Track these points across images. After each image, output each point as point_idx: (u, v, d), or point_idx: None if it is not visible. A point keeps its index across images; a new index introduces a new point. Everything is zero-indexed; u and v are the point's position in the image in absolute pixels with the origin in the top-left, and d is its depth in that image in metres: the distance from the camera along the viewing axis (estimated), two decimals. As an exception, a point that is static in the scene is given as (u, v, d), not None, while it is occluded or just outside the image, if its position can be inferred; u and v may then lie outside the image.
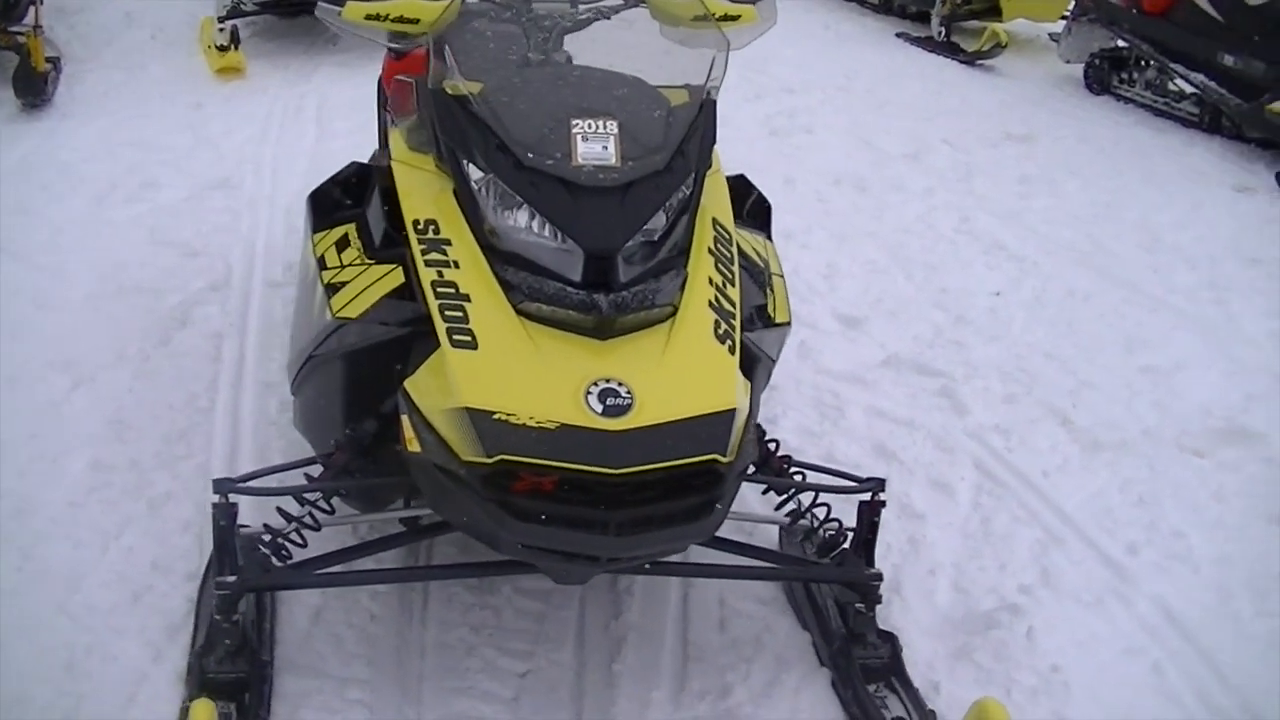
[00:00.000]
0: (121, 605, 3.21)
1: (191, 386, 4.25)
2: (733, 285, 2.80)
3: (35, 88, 7.10)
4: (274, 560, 2.87)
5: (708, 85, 2.89)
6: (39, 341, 4.49)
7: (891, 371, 4.68)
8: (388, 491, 3.08)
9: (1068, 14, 9.42)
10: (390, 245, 2.85)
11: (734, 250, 2.90)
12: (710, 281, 2.75)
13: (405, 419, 2.61)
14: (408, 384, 2.63)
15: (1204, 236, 6.35)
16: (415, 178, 2.90)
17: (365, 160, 3.70)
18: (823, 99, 8.37)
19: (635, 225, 2.60)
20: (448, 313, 2.55)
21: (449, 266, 2.63)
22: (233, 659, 2.86)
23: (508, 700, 3.02)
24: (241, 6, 8.41)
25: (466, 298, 2.57)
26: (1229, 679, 3.26)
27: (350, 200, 3.12)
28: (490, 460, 2.40)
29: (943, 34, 9.91)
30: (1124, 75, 8.90)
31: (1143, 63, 8.75)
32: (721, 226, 2.91)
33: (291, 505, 2.96)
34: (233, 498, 2.89)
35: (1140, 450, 4.30)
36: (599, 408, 2.42)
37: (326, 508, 2.95)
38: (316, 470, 3.11)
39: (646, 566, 2.87)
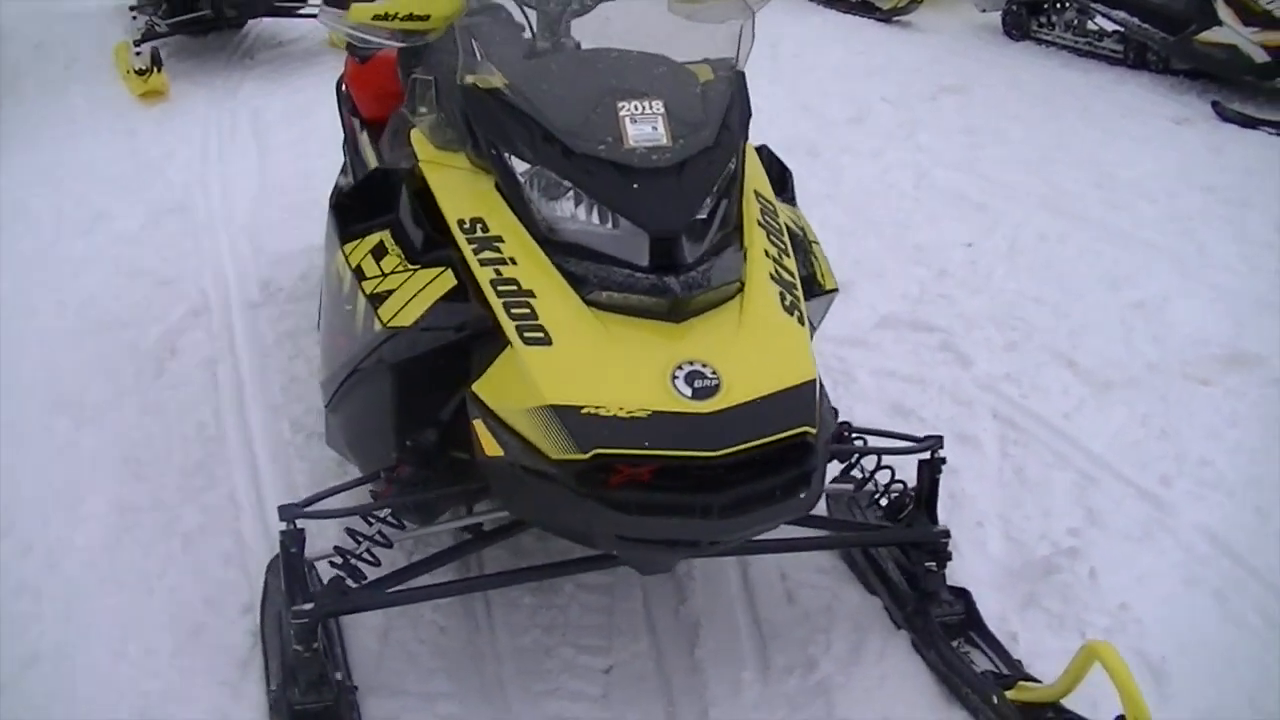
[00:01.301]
0: (184, 646, 3.12)
1: (197, 416, 4.14)
2: (788, 256, 2.78)
3: (-38, 124, 6.90)
4: (349, 582, 2.81)
5: (739, 55, 2.85)
6: (29, 384, 4.36)
7: (890, 331, 4.69)
8: (448, 501, 3.02)
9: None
10: (433, 248, 2.77)
11: (780, 222, 2.88)
12: (766, 254, 2.72)
13: (478, 424, 2.55)
14: (476, 388, 2.57)
15: (1155, 171, 6.46)
16: (450, 177, 2.83)
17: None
18: (752, 69, 8.32)
19: (695, 203, 2.56)
20: (514, 310, 2.49)
21: (505, 264, 2.57)
22: (317, 689, 2.79)
23: (597, 697, 2.98)
24: (155, 29, 8.27)
25: (530, 293, 2.52)
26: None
27: (374, 207, 3.03)
28: (585, 456, 2.35)
29: (856, -6, 9.97)
30: (1042, 20, 9.04)
31: (1060, 5, 8.86)
32: (764, 199, 2.89)
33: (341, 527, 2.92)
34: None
35: (1149, 385, 4.35)
36: (688, 391, 2.38)
37: (395, 523, 2.89)
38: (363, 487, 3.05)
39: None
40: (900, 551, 3.30)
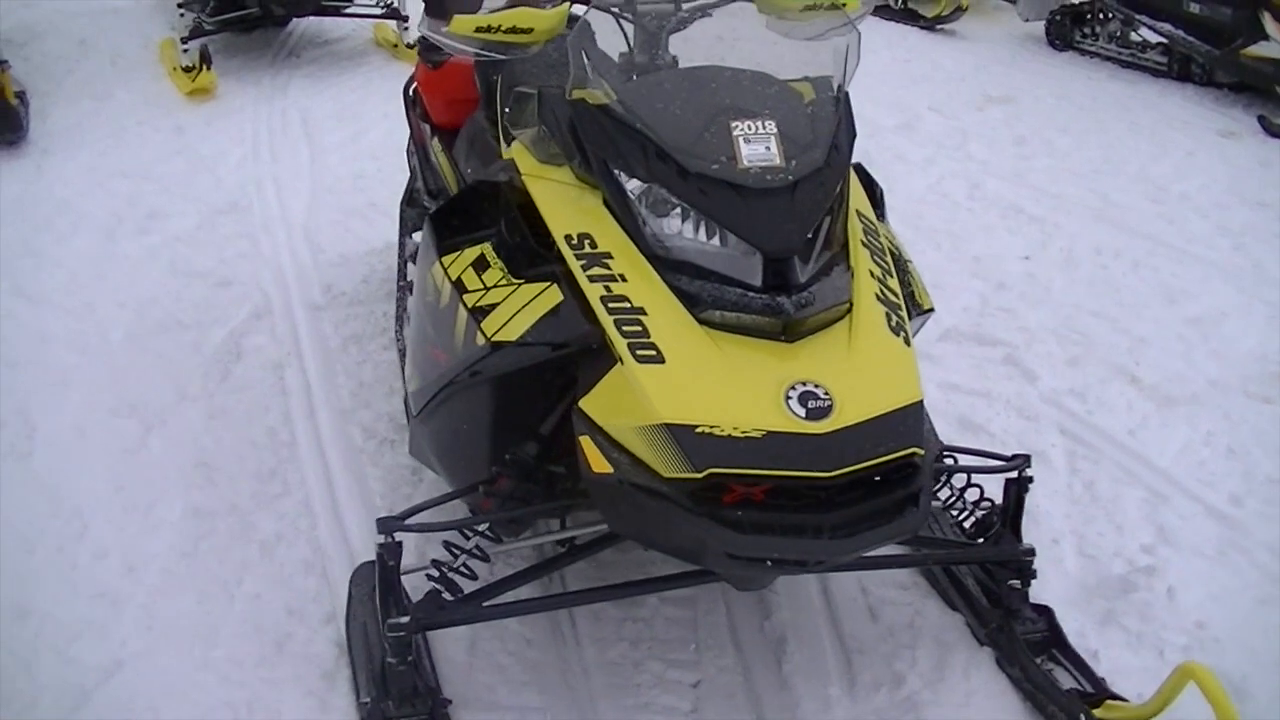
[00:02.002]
0: (267, 656, 3.13)
1: (267, 421, 4.16)
2: (891, 276, 2.78)
3: (11, 123, 6.89)
4: (446, 596, 2.82)
5: (846, 76, 2.85)
6: (93, 388, 4.37)
7: (953, 345, 4.70)
8: (543, 515, 3.03)
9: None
10: (537, 263, 2.78)
11: (882, 241, 2.88)
12: (871, 274, 2.72)
13: (585, 440, 2.55)
14: (583, 404, 2.57)
15: (1205, 184, 6.47)
16: (554, 191, 2.82)
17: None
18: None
19: (809, 223, 2.56)
20: (625, 328, 2.49)
21: (615, 280, 2.57)
22: (412, 702, 2.80)
23: (687, 712, 2.99)
24: (204, 26, 8.26)
25: (642, 310, 2.51)
26: (1364, 618, 3.33)
27: (473, 220, 3.04)
28: (700, 475, 2.35)
29: (900, 1, 9.96)
30: (1086, 30, 9.03)
31: (1104, 16, 8.87)
32: (865, 218, 2.89)
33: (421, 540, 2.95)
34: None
35: (1211, 401, 4.36)
36: (802, 411, 2.38)
37: (493, 537, 2.90)
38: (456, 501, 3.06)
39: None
40: (981, 569, 3.32)
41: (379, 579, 2.85)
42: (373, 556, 3.20)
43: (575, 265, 2.62)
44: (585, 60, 2.72)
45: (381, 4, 8.87)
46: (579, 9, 3.11)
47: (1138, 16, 8.34)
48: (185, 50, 8.07)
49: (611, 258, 2.61)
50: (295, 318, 4.89)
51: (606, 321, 2.51)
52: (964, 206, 6.10)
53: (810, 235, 2.57)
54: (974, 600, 3.28)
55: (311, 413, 4.21)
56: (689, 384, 2.43)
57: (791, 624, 3.25)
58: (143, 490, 3.78)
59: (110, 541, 3.54)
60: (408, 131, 6.53)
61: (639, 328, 2.49)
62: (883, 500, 2.48)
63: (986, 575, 3.31)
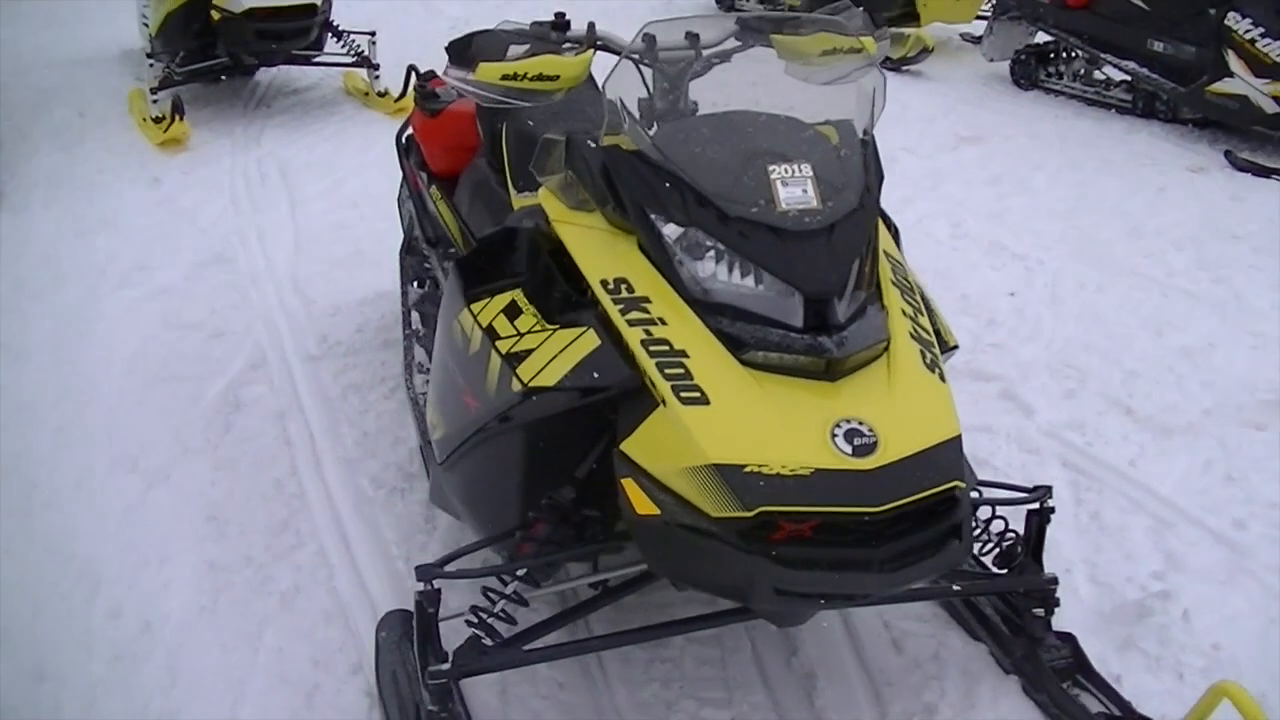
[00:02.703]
0: (298, 709, 3.12)
1: (273, 472, 4.14)
2: (922, 315, 2.83)
3: (-19, 174, 6.87)
4: (486, 641, 2.83)
5: (873, 117, 2.90)
6: (91, 444, 4.35)
7: (950, 380, 4.73)
8: (580, 559, 3.04)
9: (984, 13, 9.69)
10: (571, 308, 2.80)
11: (910, 280, 2.93)
12: (904, 313, 2.77)
13: (628, 483, 2.57)
14: (625, 447, 2.59)
15: (1179, 219, 6.59)
16: (586, 237, 2.85)
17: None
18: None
19: (847, 264, 2.60)
20: (668, 370, 2.51)
21: (655, 324, 2.59)
22: None
23: (724, 751, 3.01)
24: (173, 76, 8.27)
25: (683, 353, 2.53)
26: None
27: (499, 267, 3.06)
28: (751, 514, 2.38)
29: (866, 44, 10.08)
30: (1050, 69, 9.20)
31: (1067, 55, 9.04)
32: (893, 258, 2.94)
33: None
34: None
35: (1207, 430, 4.43)
36: (848, 449, 2.41)
37: (531, 582, 2.91)
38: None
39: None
40: (1001, 599, 3.36)
41: (417, 626, 2.86)
42: (395, 605, 3.23)
43: (613, 309, 2.64)
44: (620, 107, 2.76)
45: (352, 53, 8.91)
46: (601, 55, 3.15)
47: (1102, 55, 8.49)
48: (155, 101, 8.06)
49: (650, 301, 2.63)
50: (292, 368, 4.88)
51: (648, 364, 2.53)
52: (947, 245, 6.18)
53: (847, 276, 2.62)
54: (996, 630, 3.32)
55: (318, 463, 4.20)
56: (735, 424, 2.45)
57: (818, 660, 3.27)
58: (153, 546, 3.75)
59: (123, 599, 3.52)
60: (387, 180, 6.59)
61: (681, 370, 2.51)
62: (928, 534, 2.52)
63: (1006, 605, 3.35)
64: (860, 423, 2.46)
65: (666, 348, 2.55)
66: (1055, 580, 3.16)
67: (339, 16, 8.86)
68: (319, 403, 4.60)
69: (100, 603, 3.50)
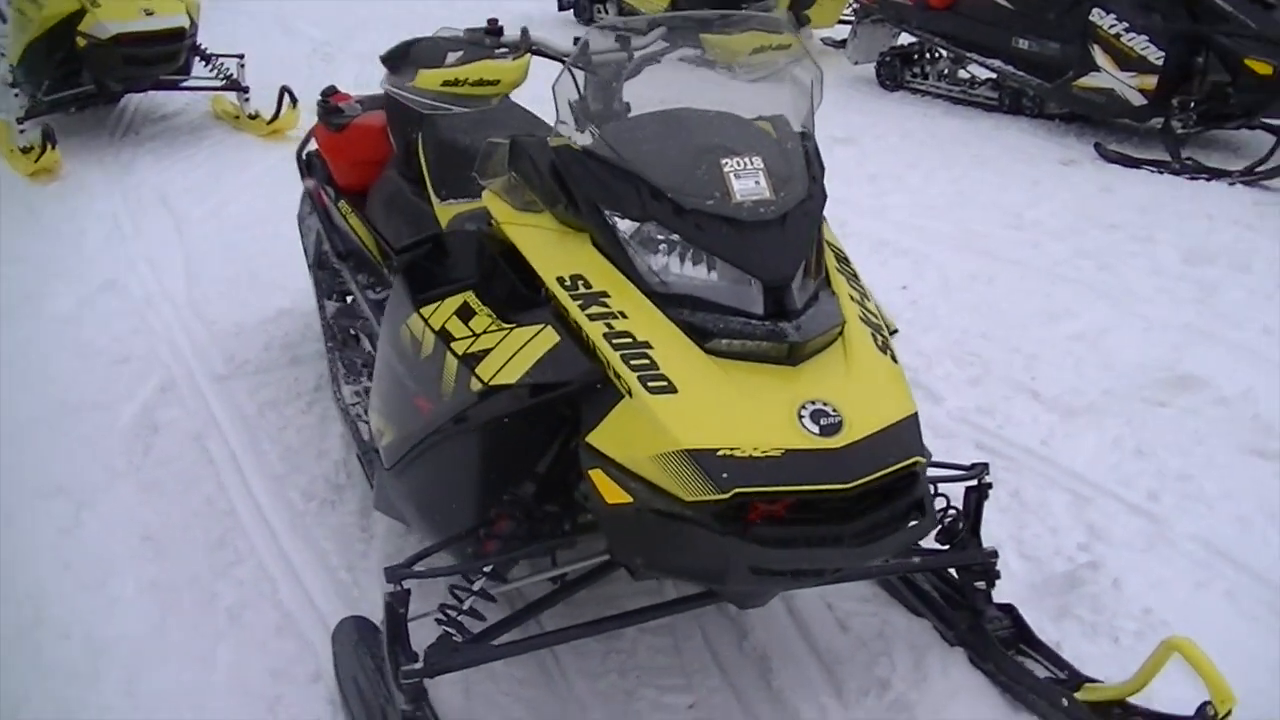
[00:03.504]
0: (262, 718, 3.12)
1: (202, 491, 4.12)
2: (868, 299, 2.94)
3: None
4: (457, 639, 2.85)
5: (813, 109, 3.00)
6: (11, 472, 4.26)
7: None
8: (542, 553, 3.07)
9: (846, 17, 9.91)
10: (525, 307, 2.84)
11: (853, 268, 3.03)
12: (852, 298, 2.87)
13: (597, 474, 2.61)
14: (591, 439, 2.63)
15: (1055, 211, 6.84)
16: (537, 237, 2.89)
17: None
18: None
19: (801, 252, 2.69)
20: (633, 362, 2.56)
21: (616, 318, 2.64)
22: None
23: (690, 734, 3.07)
24: (40, 104, 8.11)
25: (647, 344, 2.58)
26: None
27: (445, 271, 3.09)
28: (726, 496, 2.44)
29: (733, 50, 10.25)
30: (915, 70, 9.44)
31: (932, 55, 9.30)
32: (834, 247, 3.04)
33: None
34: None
35: (1110, 409, 4.62)
36: (815, 429, 2.49)
37: (499, 578, 2.94)
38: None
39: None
40: (937, 574, 3.47)
41: (387, 627, 2.87)
42: (343, 614, 3.24)
43: (572, 305, 2.69)
44: (571, 109, 2.82)
45: (220, 76, 8.83)
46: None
47: (967, 55, 8.76)
48: (23, 130, 7.91)
49: (609, 296, 2.69)
50: (203, 389, 4.85)
51: (613, 357, 2.58)
52: (835, 243, 6.31)
53: (801, 263, 2.70)
54: (937, 605, 3.44)
55: (244, 480, 4.19)
56: (704, 410, 2.52)
57: (768, 643, 3.36)
58: (90, 569, 3.71)
59: (70, 621, 3.47)
60: (270, 201, 6.57)
61: (647, 360, 2.56)
62: (892, 509, 2.61)
63: (941, 581, 3.47)
64: (825, 404, 2.54)
65: (630, 340, 2.60)
66: (995, 554, 3.28)
67: (201, 41, 8.78)
68: (236, 421, 4.57)
69: (48, 625, 3.45)
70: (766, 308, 2.63)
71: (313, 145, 4.83)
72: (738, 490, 2.44)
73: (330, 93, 4.70)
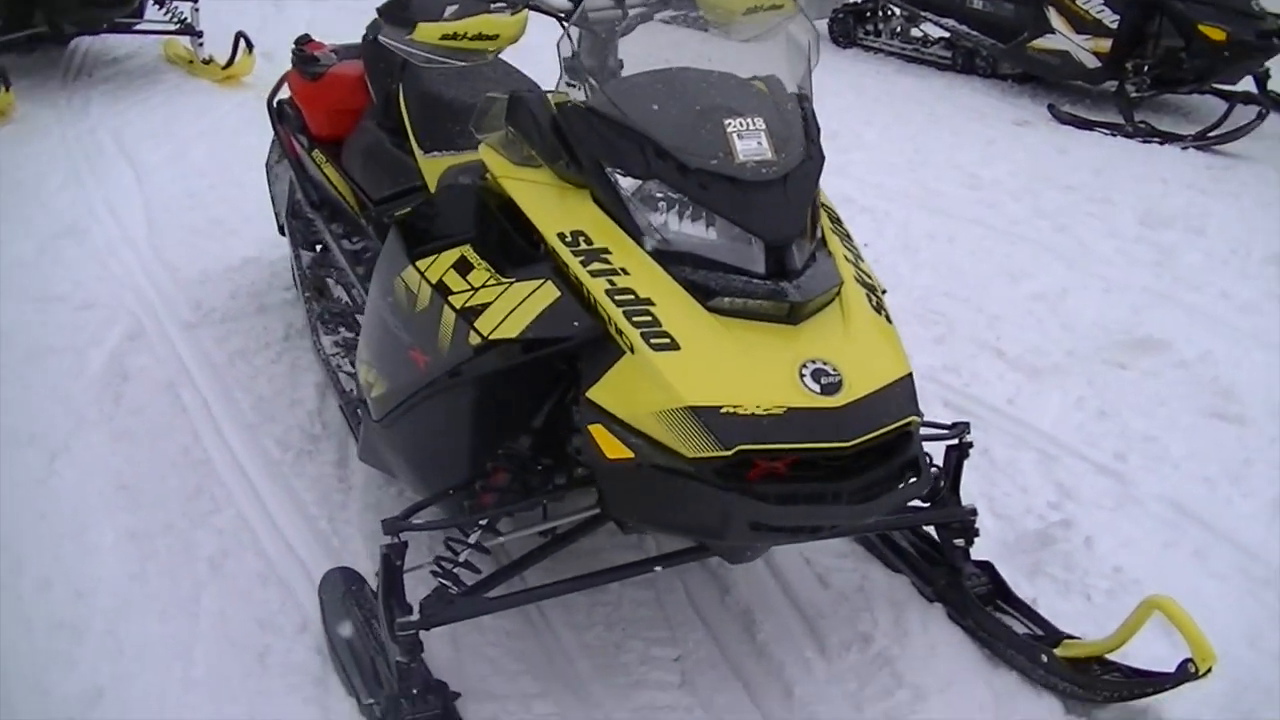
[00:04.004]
0: (252, 670, 3.11)
1: (177, 440, 4.09)
2: (862, 260, 2.98)
3: None
4: (452, 590, 2.88)
5: (810, 68, 3.01)
6: (-23, 421, 4.22)
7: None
8: (537, 505, 3.09)
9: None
10: (525, 262, 2.84)
11: (846, 229, 3.06)
12: (847, 259, 2.91)
13: (597, 429, 2.63)
14: (591, 394, 2.64)
15: (1012, 171, 6.92)
16: (536, 192, 2.88)
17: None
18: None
19: (801, 211, 2.72)
20: (635, 319, 2.58)
21: (618, 274, 2.66)
22: (425, 698, 2.86)
23: (679, 685, 3.12)
24: None
25: (649, 301, 2.60)
26: (1256, 553, 3.69)
27: (441, 224, 3.08)
28: (729, 453, 2.47)
29: (679, 4, 10.25)
30: (868, 27, 9.47)
31: (885, 13, 9.33)
32: (828, 209, 3.07)
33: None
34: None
35: (1073, 370, 4.71)
36: (816, 387, 2.53)
37: (495, 531, 2.97)
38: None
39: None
40: (913, 532, 3.54)
41: (383, 579, 2.88)
42: (324, 565, 3.29)
43: (573, 261, 2.70)
44: (578, 66, 2.83)
45: (175, 19, 8.69)
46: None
47: (921, 13, 8.81)
48: (-28, 74, 7.74)
49: (610, 253, 2.70)
50: (171, 336, 4.80)
51: (615, 313, 2.60)
52: (796, 200, 6.36)
53: (802, 223, 2.73)
54: (914, 561, 3.50)
55: (218, 429, 4.17)
56: (708, 368, 2.55)
57: (750, 598, 3.40)
58: (67, 518, 3.67)
59: (51, 571, 3.44)
60: (231, 147, 6.50)
61: (649, 317, 2.58)
62: (889, 467, 2.66)
63: (918, 538, 3.54)
64: (825, 363, 2.58)
65: (632, 297, 2.62)
66: (975, 511, 3.33)
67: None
68: (207, 370, 4.55)
69: (27, 575, 3.42)
70: (768, 267, 2.65)
71: (285, 93, 4.79)
72: (741, 448, 2.47)
73: (305, 41, 4.65)
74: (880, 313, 2.84)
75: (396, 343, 3.09)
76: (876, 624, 3.30)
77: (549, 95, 2.95)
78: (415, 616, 2.82)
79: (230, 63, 8.41)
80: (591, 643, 3.25)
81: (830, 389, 2.54)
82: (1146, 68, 7.81)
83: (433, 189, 3.72)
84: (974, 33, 8.47)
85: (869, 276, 2.93)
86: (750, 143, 2.71)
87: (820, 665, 3.17)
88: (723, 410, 2.48)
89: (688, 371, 2.53)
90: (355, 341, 4.11)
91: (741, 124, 2.73)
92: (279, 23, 9.29)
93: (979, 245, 5.81)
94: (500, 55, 3.49)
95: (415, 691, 2.86)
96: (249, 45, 8.32)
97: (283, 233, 5.19)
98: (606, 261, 2.69)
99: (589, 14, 3.12)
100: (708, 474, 2.51)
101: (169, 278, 5.31)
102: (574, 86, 2.86)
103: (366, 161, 4.14)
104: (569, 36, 3.07)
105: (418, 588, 2.91)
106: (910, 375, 2.74)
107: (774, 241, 2.66)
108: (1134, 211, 6.28)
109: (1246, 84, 7.95)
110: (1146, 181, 6.84)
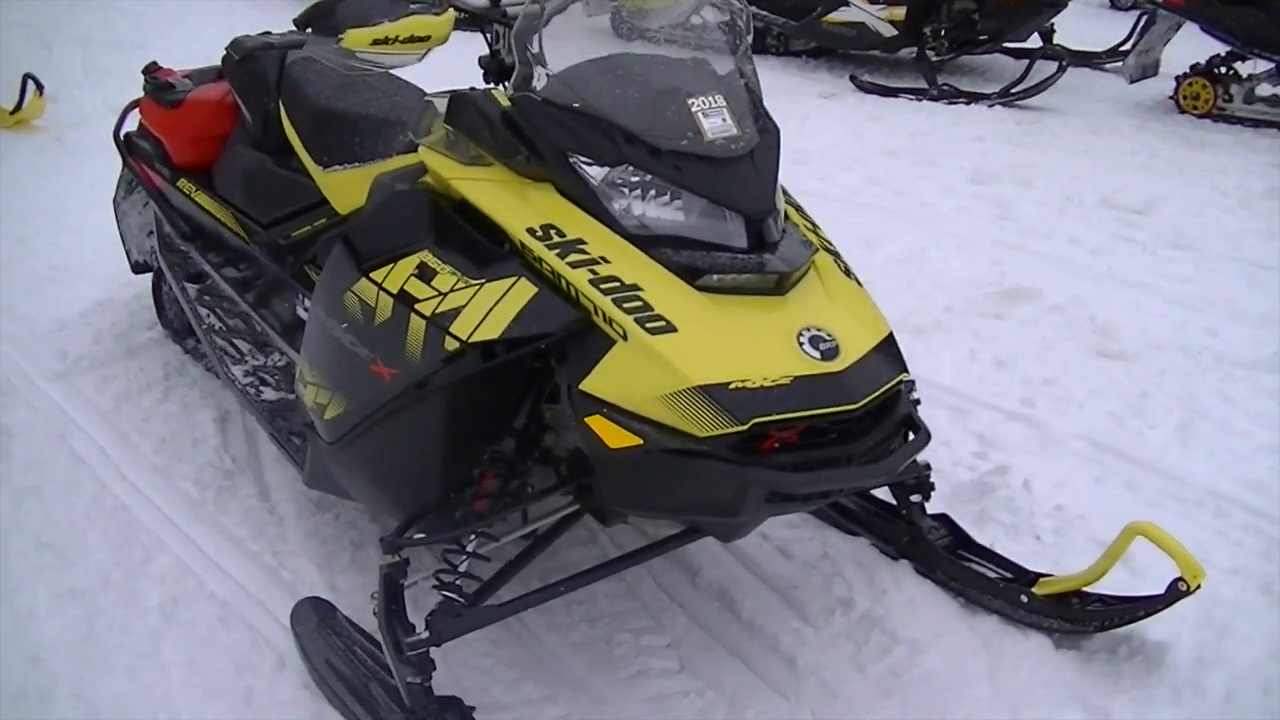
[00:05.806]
0: (242, 714, 2.99)
1: (84, 490, 3.88)
2: (819, 228, 3.02)
3: None
4: (459, 603, 2.82)
5: (746, 42, 3.04)
6: None
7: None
8: (528, 505, 3.05)
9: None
10: (492, 262, 2.79)
11: (796, 200, 3.11)
12: (808, 228, 2.95)
13: (597, 420, 2.60)
14: (586, 386, 2.60)
15: (833, 143, 7.11)
16: (494, 190, 2.84)
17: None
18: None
19: (773, 183, 2.78)
20: (626, 305, 2.56)
21: (598, 263, 2.64)
22: (442, 715, 2.80)
23: (680, 670, 3.12)
24: None
25: (636, 287, 2.59)
26: (1180, 478, 3.89)
27: (390, 234, 3.00)
28: (745, 428, 2.48)
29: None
30: (656, 12, 9.55)
31: (663, -4, 9.42)
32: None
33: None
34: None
35: (955, 325, 4.87)
36: (816, 354, 2.56)
37: (492, 537, 2.92)
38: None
39: None
40: (859, 495, 3.60)
41: (384, 599, 2.82)
42: (281, 598, 3.21)
43: (549, 254, 2.67)
44: (533, 59, 2.80)
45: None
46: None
47: (710, -1, 8.92)
48: None
49: (586, 243, 2.68)
50: (43, 388, 4.57)
51: (603, 302, 2.58)
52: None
53: (774, 195, 2.77)
54: (870, 523, 3.57)
55: (123, 476, 3.97)
56: (708, 346, 2.55)
57: (720, 578, 3.43)
58: (-11, 583, 3.47)
59: (-10, 641, 3.25)
60: (48, 191, 6.22)
61: (639, 303, 2.58)
62: (889, 426, 2.71)
63: (866, 500, 3.60)
64: (819, 329, 2.62)
65: (618, 284, 2.61)
66: (929, 467, 3.42)
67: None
68: (94, 417, 4.34)
69: (-33, 650, 3.22)
70: (749, 241, 2.68)
71: (132, 124, 4.63)
72: (756, 420, 2.49)
73: (154, 68, 4.50)
74: (850, 276, 2.90)
75: (354, 360, 2.99)
76: (852, 587, 3.35)
77: (493, 92, 2.91)
78: (425, 634, 2.76)
79: (18, 107, 8.01)
80: (579, 641, 3.22)
81: (829, 354, 2.58)
82: (943, 31, 8.07)
83: (338, 204, 3.64)
84: (763, 12, 8.63)
85: (830, 243, 2.98)
86: (715, 120, 2.74)
87: (811, 634, 3.21)
88: (731, 386, 2.50)
89: (689, 352, 2.53)
90: (269, 367, 4.00)
91: (704, 102, 2.75)
92: (48, 64, 8.89)
93: (824, 216, 5.76)
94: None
95: (430, 711, 2.79)
96: (39, 87, 7.93)
97: (136, 271, 5.02)
98: (584, 252, 2.67)
99: (506, 9, 3.11)
100: (722, 451, 2.52)
101: (24, 330, 5.03)
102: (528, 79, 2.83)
103: (249, 185, 4.02)
104: (484, 35, 3.07)
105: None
106: (892, 334, 2.81)
107: (754, 215, 2.69)
108: (962, 171, 6.52)
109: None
110: (964, 141, 7.10)
